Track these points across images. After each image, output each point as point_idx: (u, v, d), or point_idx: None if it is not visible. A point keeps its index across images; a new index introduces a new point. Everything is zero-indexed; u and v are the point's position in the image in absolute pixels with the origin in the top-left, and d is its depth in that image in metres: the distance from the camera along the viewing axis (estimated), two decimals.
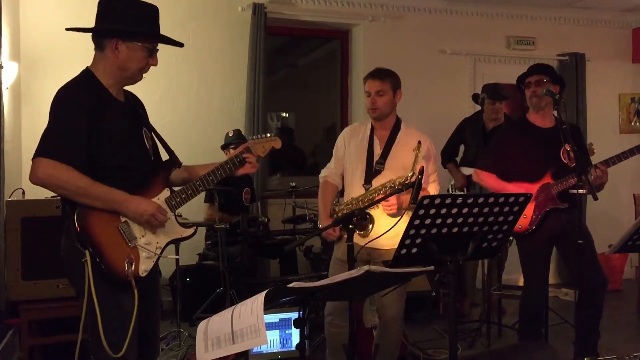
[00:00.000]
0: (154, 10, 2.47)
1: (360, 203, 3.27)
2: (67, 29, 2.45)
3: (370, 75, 3.40)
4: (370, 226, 3.24)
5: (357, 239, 3.05)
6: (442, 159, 5.37)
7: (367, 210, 3.22)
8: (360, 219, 3.13)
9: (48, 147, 2.25)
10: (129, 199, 2.34)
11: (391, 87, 3.35)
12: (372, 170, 3.34)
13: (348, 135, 3.50)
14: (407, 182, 3.12)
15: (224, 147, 5.13)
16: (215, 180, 2.60)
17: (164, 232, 2.46)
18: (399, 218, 3.03)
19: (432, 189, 3.38)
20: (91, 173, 2.29)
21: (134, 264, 2.33)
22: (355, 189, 3.36)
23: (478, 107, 5.52)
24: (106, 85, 2.39)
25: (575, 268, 3.67)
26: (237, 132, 5.17)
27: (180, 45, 2.55)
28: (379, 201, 3.08)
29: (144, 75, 2.49)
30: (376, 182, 3.30)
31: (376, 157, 3.36)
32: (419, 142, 3.19)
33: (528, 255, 3.80)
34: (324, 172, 3.55)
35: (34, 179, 2.25)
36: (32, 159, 2.26)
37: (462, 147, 5.54)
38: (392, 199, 3.17)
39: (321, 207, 3.47)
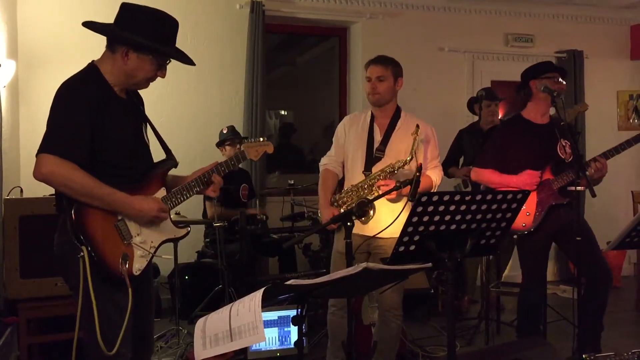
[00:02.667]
0: (173, 25, 2.45)
1: (360, 190, 3.29)
2: (84, 25, 2.42)
3: (372, 61, 3.42)
4: (371, 212, 3.25)
5: (358, 226, 3.06)
6: (442, 167, 5.36)
7: (367, 197, 3.23)
8: (360, 208, 3.15)
9: (53, 143, 2.25)
10: (131, 200, 2.35)
11: (392, 73, 3.37)
12: (372, 157, 3.36)
13: (348, 124, 3.51)
14: (406, 164, 3.16)
15: (219, 145, 5.14)
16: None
17: (158, 232, 2.47)
18: (401, 208, 3.04)
19: (435, 174, 3.39)
20: (91, 168, 2.29)
21: (128, 261, 2.34)
22: (355, 176, 3.38)
23: (476, 107, 5.52)
24: (110, 83, 2.39)
25: (579, 264, 3.68)
26: (231, 128, 5.17)
27: (192, 64, 2.51)
28: (379, 197, 3.08)
29: None
30: (376, 169, 3.32)
31: (376, 144, 3.38)
32: (417, 126, 3.20)
33: (527, 253, 3.80)
34: (324, 160, 3.56)
35: (38, 175, 2.24)
36: (37, 155, 2.26)
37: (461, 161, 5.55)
38: (390, 182, 3.18)
39: (321, 195, 3.47)
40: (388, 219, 3.21)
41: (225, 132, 5.13)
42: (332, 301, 3.42)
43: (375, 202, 3.24)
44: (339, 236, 3.42)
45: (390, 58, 3.44)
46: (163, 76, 2.47)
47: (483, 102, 5.26)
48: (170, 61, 2.48)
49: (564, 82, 3.75)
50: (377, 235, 3.14)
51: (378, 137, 3.40)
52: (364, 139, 3.40)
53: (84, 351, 2.35)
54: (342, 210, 3.29)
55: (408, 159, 3.17)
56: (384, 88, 3.36)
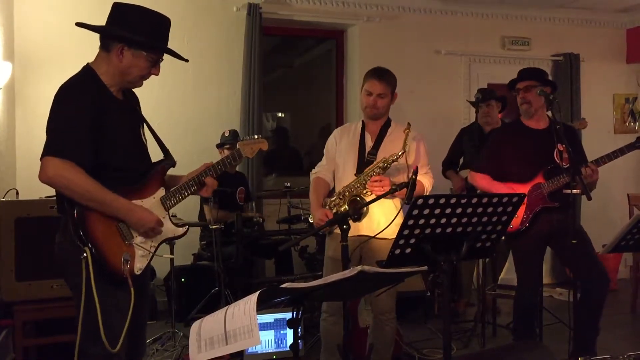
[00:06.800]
0: (165, 22, 2.48)
1: (352, 189, 3.28)
2: (77, 24, 2.45)
3: (376, 76, 3.37)
4: (364, 209, 3.24)
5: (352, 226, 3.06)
6: (442, 168, 5.39)
7: (361, 195, 3.25)
8: (355, 210, 3.17)
9: (57, 146, 2.26)
10: (131, 209, 2.37)
11: (391, 90, 3.39)
12: (364, 161, 3.36)
13: (339, 134, 3.53)
14: (400, 157, 3.18)
15: (219, 147, 5.14)
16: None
17: None
18: (393, 206, 3.05)
19: (426, 180, 3.38)
20: (91, 170, 2.30)
21: (130, 261, 2.36)
22: (347, 180, 3.37)
23: (473, 109, 5.54)
24: (107, 84, 2.41)
25: (574, 267, 3.68)
26: (233, 132, 5.19)
27: (185, 60, 2.56)
28: (375, 200, 3.08)
29: None
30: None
31: (368, 149, 3.39)
32: (409, 124, 3.21)
33: (521, 255, 3.81)
34: (315, 170, 3.56)
35: (44, 177, 2.26)
36: (41, 158, 2.26)
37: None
38: (385, 178, 3.17)
39: (313, 199, 3.45)
40: (380, 217, 3.24)
41: (226, 135, 5.15)
42: (324, 307, 3.40)
43: (367, 199, 3.23)
44: (329, 242, 3.41)
45: (389, 73, 3.42)
46: (157, 73, 2.49)
47: (480, 102, 5.25)
48: (163, 59, 2.49)
49: (536, 86, 3.73)
50: (376, 237, 3.14)
51: (369, 143, 3.41)
52: (356, 146, 3.41)
53: (79, 351, 2.35)
54: (334, 212, 3.28)
55: (400, 152, 3.17)
56: (383, 104, 3.38)
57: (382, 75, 3.37)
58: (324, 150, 3.57)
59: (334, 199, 3.37)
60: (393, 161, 3.21)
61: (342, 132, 3.54)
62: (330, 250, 3.39)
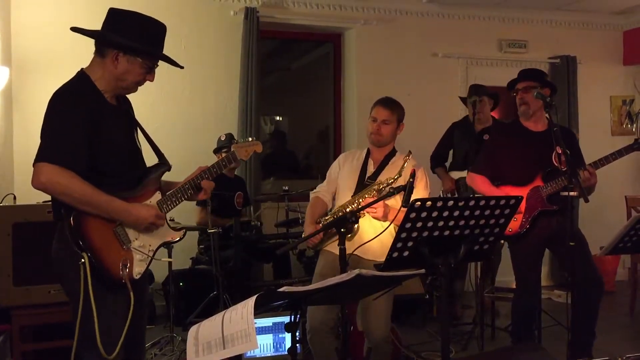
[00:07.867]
0: (161, 29, 2.49)
1: (347, 207, 3.30)
2: (72, 29, 2.45)
3: (382, 103, 3.46)
4: (356, 226, 3.24)
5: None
6: (431, 163, 5.38)
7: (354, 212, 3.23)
8: (351, 213, 3.15)
9: (51, 152, 2.25)
10: (128, 208, 2.37)
11: (397, 118, 3.43)
12: (362, 186, 3.39)
13: (343, 159, 3.59)
14: (394, 182, 3.16)
15: (216, 151, 5.14)
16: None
17: (156, 235, 2.51)
18: (383, 228, 3.05)
19: None
20: (86, 176, 2.30)
21: (128, 266, 2.36)
22: (344, 201, 3.39)
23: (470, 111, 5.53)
24: (101, 90, 2.41)
25: (571, 270, 3.69)
26: (230, 136, 5.18)
27: (180, 67, 2.57)
28: (368, 205, 3.08)
29: None
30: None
31: (368, 174, 3.43)
32: (410, 152, 3.23)
33: (520, 258, 3.81)
34: (315, 190, 3.60)
35: (37, 184, 2.25)
36: (34, 164, 2.26)
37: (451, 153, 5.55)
38: (378, 205, 3.17)
39: (308, 215, 3.50)
40: (374, 240, 3.15)
41: (223, 139, 5.14)
42: (309, 327, 3.34)
43: (360, 221, 3.22)
44: (320, 258, 3.43)
45: (397, 102, 3.48)
46: (152, 80, 2.50)
47: (470, 99, 5.19)
48: (158, 65, 2.49)
49: (535, 86, 3.73)
50: (364, 255, 3.15)
51: (371, 169, 3.45)
52: (357, 170, 3.46)
53: (79, 357, 2.34)
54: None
55: (396, 177, 3.20)
56: (387, 131, 3.42)
57: (388, 103, 3.46)
58: (327, 173, 3.62)
59: (327, 217, 3.41)
60: (388, 185, 3.21)
61: (347, 157, 3.59)
62: (319, 266, 3.40)
